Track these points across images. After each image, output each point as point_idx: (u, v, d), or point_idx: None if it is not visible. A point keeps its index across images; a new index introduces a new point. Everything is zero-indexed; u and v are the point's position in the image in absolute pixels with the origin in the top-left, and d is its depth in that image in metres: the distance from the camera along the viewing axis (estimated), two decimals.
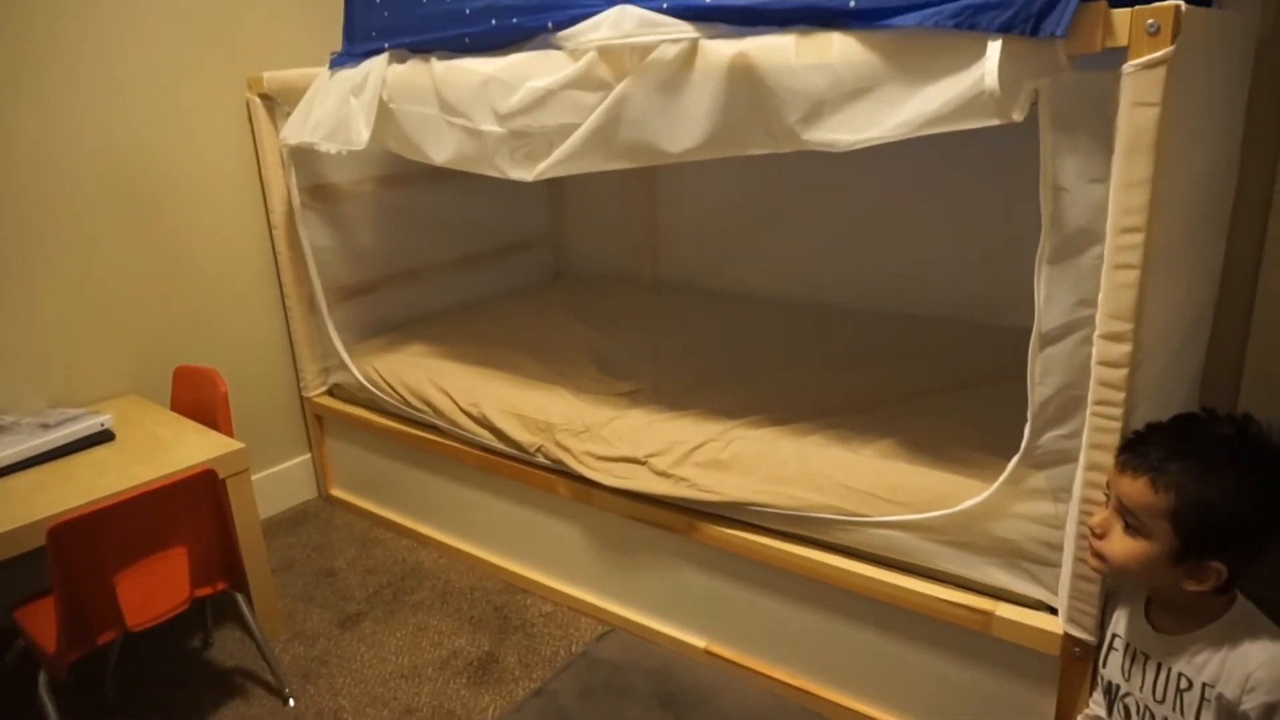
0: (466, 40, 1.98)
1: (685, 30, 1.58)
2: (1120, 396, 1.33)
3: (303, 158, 2.62)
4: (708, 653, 2.06)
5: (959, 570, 1.65)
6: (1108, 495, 1.31)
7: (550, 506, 2.28)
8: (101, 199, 2.38)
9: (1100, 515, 1.30)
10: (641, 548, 2.12)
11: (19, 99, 2.19)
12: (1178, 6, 1.16)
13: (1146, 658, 1.31)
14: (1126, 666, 1.34)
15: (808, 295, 2.96)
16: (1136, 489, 1.22)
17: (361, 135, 2.14)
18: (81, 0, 2.26)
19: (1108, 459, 1.36)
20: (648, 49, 1.61)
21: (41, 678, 1.72)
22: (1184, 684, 1.25)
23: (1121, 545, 1.24)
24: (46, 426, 2.08)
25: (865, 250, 2.79)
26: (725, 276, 3.16)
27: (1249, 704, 1.17)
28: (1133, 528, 1.23)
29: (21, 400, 2.29)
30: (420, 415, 2.51)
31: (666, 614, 2.13)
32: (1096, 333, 1.33)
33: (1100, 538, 1.28)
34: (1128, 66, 1.20)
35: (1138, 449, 1.25)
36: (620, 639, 2.11)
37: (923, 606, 1.67)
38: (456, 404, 2.39)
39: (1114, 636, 1.39)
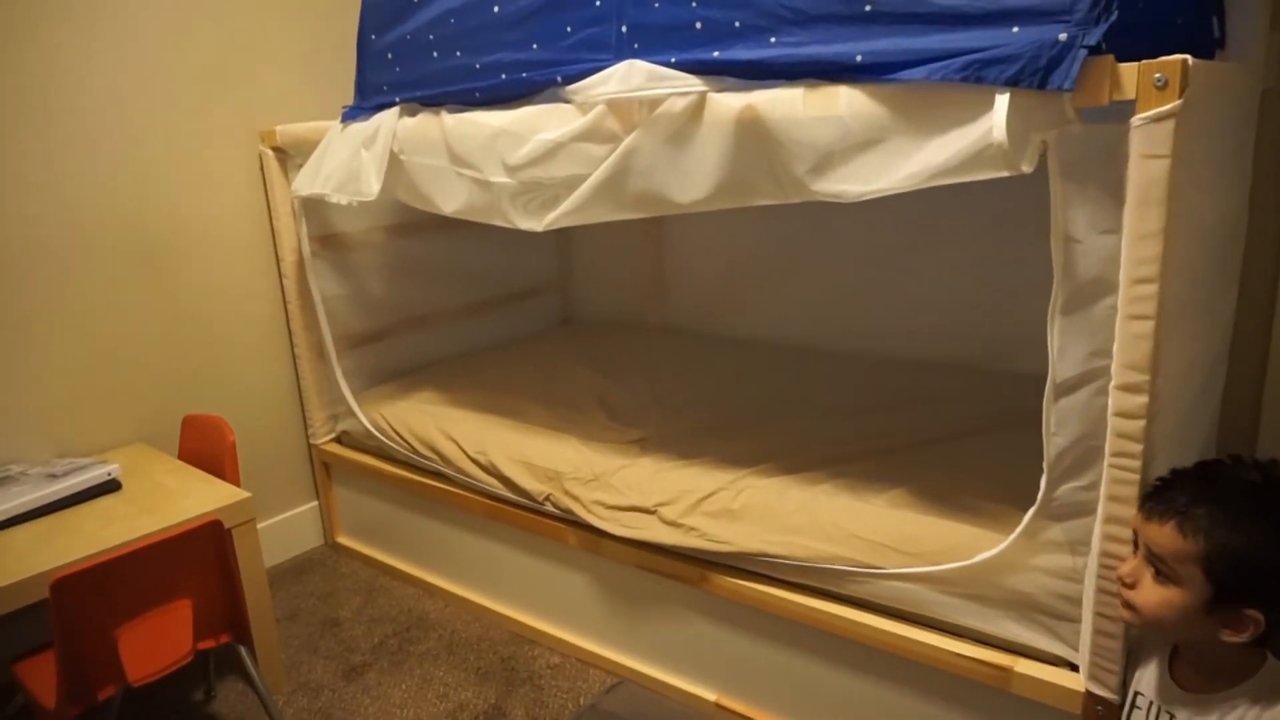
0: (476, 94, 2.00)
1: (693, 84, 1.60)
2: (1138, 448, 1.31)
3: (313, 208, 2.64)
4: (718, 706, 2.01)
5: (975, 624, 1.62)
6: (1135, 544, 1.29)
7: (559, 556, 2.26)
8: (112, 248, 2.40)
9: (1129, 564, 1.27)
10: (651, 598, 2.09)
11: (31, 148, 2.22)
12: (1185, 60, 1.17)
13: (1172, 716, 1.27)
14: None
15: (817, 342, 2.96)
16: (1164, 534, 1.20)
17: (372, 187, 2.16)
18: (97, 52, 2.31)
19: (1127, 511, 1.34)
20: (656, 102, 1.63)
21: None
22: None
23: (1153, 594, 1.21)
24: (53, 477, 2.08)
25: (875, 296, 2.79)
26: (734, 323, 3.16)
27: None
28: (1163, 575, 1.20)
29: (29, 450, 2.28)
30: (428, 463, 2.49)
31: (676, 666, 2.10)
32: (1112, 384, 1.31)
33: (1130, 588, 1.26)
34: (1137, 119, 1.20)
35: (1163, 495, 1.24)
36: (629, 691, 2.08)
37: (939, 661, 1.64)
38: (464, 452, 2.38)
39: (1137, 695, 1.35)
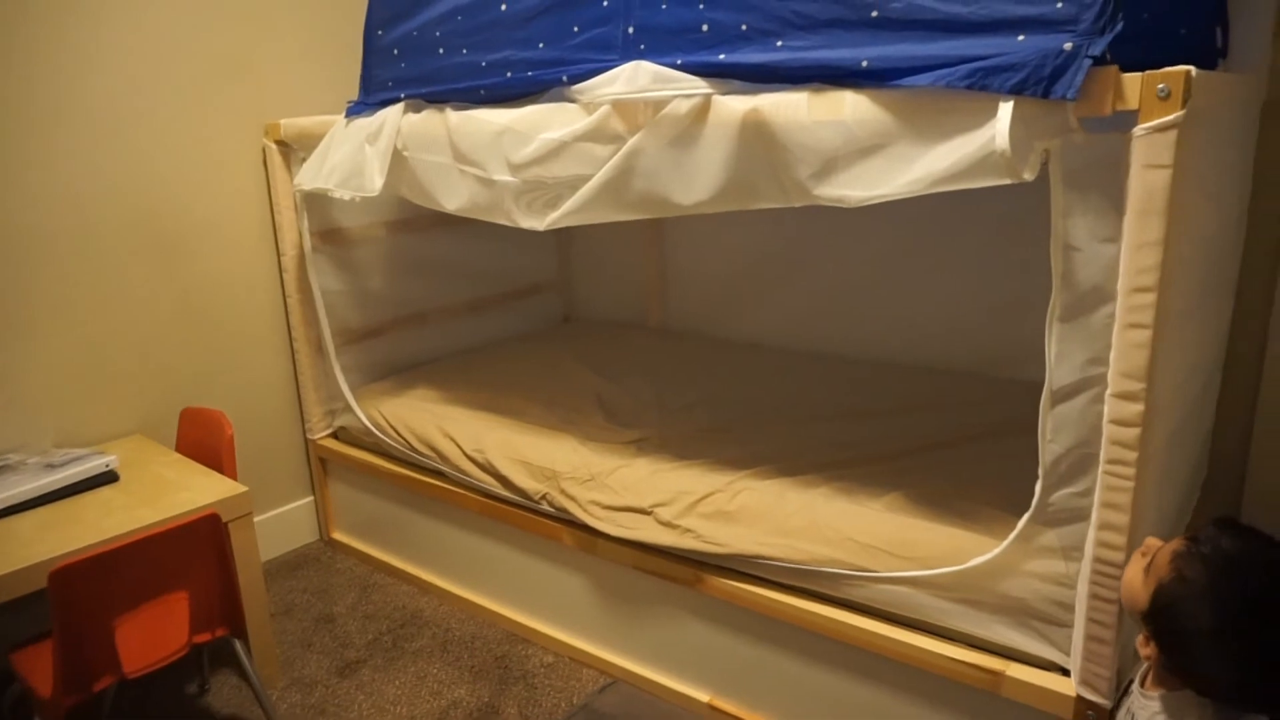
0: (482, 92, 2.01)
1: (699, 86, 1.61)
2: (1133, 455, 1.32)
3: (314, 202, 2.64)
4: (711, 707, 2.02)
5: (968, 628, 1.63)
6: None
7: (554, 555, 2.26)
8: (114, 241, 2.40)
9: (1155, 542, 1.29)
10: (646, 599, 2.09)
11: (35, 138, 2.22)
12: (1188, 72, 1.18)
13: (1133, 716, 1.29)
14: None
15: (817, 345, 2.97)
16: (1172, 540, 1.24)
17: (375, 182, 2.17)
18: (104, 44, 2.31)
19: (1121, 518, 1.35)
20: (661, 103, 1.64)
21: None
22: None
23: (1132, 568, 1.28)
24: (51, 467, 2.08)
25: (875, 301, 2.80)
26: (734, 325, 3.17)
27: None
28: (1147, 570, 1.25)
29: (28, 440, 2.28)
30: (425, 460, 2.50)
31: (670, 666, 2.10)
32: (1108, 391, 1.33)
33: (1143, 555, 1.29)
34: (1139, 129, 1.21)
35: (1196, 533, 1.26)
36: (623, 691, 2.08)
37: (931, 665, 1.65)
38: (462, 450, 2.38)
39: (1123, 696, 1.37)
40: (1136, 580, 1.25)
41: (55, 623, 1.59)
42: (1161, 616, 1.19)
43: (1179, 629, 1.16)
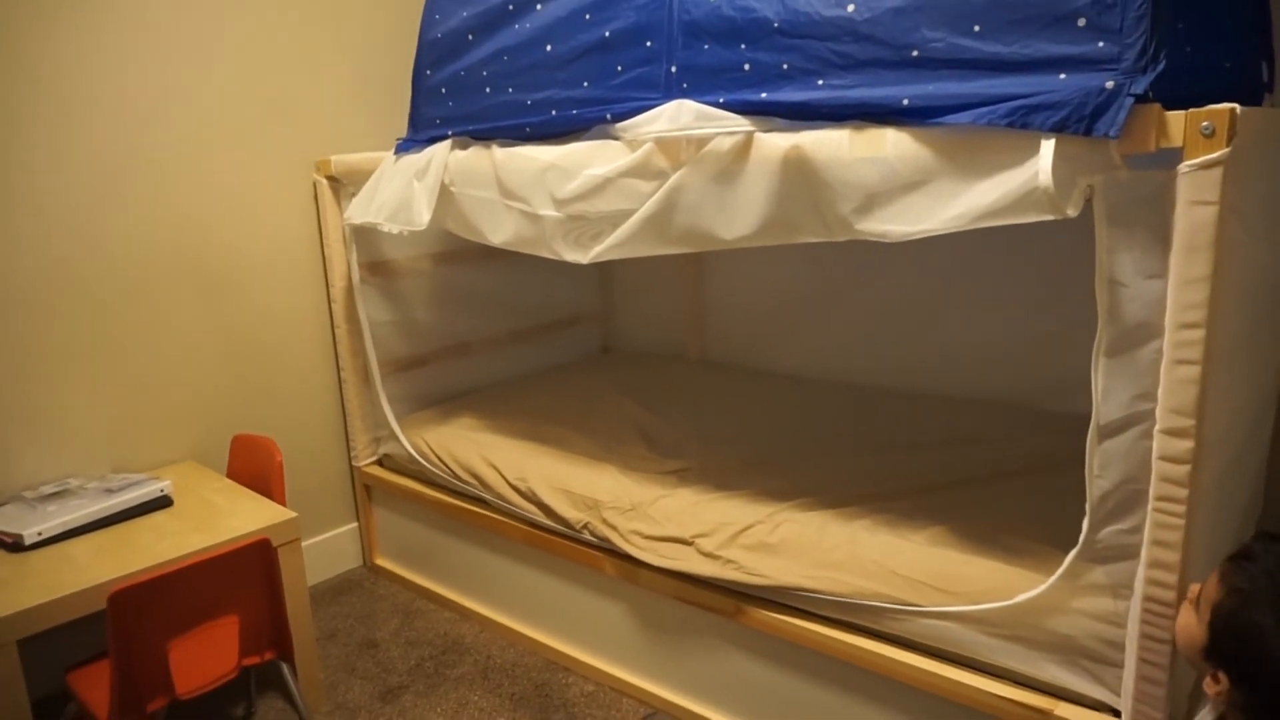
0: (527, 129, 2.06)
1: (741, 124, 1.64)
2: (1184, 493, 1.31)
3: (363, 235, 2.72)
4: None
5: (1015, 665, 1.61)
6: None
7: (595, 584, 2.28)
8: (170, 275, 2.48)
9: (1198, 586, 1.28)
10: (686, 629, 2.09)
11: (97, 177, 2.31)
12: (1233, 109, 1.18)
13: None
14: None
15: (857, 377, 2.96)
16: (1215, 575, 1.23)
17: (423, 217, 2.23)
18: (160, 85, 2.40)
19: (1171, 555, 1.34)
20: (704, 141, 1.67)
21: None
22: None
23: (1183, 616, 1.27)
24: (109, 491, 2.14)
25: (916, 333, 2.79)
26: (774, 356, 3.18)
27: None
28: (1197, 605, 1.24)
29: (87, 465, 2.36)
30: (468, 488, 2.53)
31: (710, 698, 2.09)
32: (1157, 428, 1.32)
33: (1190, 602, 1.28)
34: (1184, 167, 1.21)
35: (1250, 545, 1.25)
36: None
37: (977, 702, 1.62)
38: (505, 478, 2.41)
39: None
40: (1190, 621, 1.23)
41: (112, 644, 1.64)
42: (1224, 636, 1.16)
43: (1245, 637, 1.13)
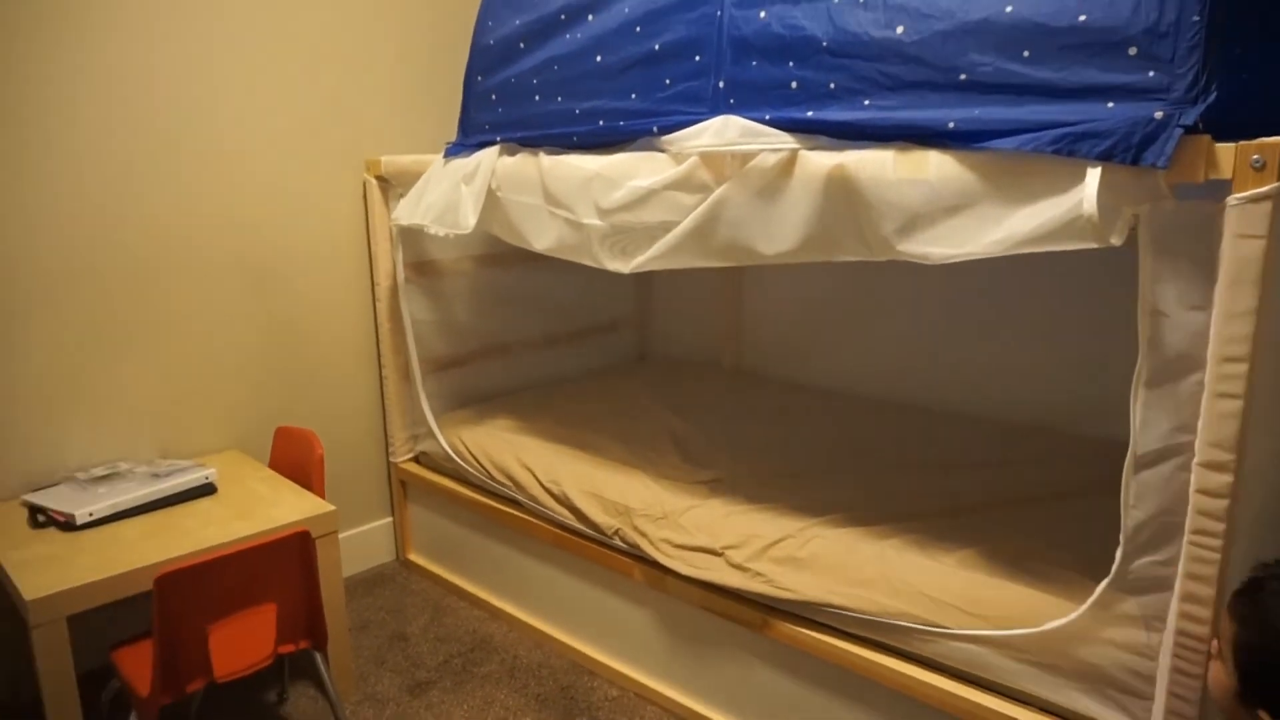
0: (574, 139, 2.09)
1: (786, 141, 1.65)
2: (1220, 528, 1.29)
3: (408, 235, 2.77)
4: None
5: (1042, 692, 1.60)
6: None
7: (623, 590, 2.30)
8: (220, 269, 2.56)
9: (1216, 642, 1.27)
10: (713, 639, 2.10)
11: (155, 171, 2.39)
12: None
13: None
14: None
15: (892, 394, 2.95)
16: (1225, 615, 1.21)
17: (469, 220, 2.27)
18: (218, 85, 2.48)
19: (1205, 590, 1.32)
20: (749, 156, 1.69)
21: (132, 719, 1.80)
22: None
23: (1213, 671, 1.24)
24: (157, 476, 2.21)
25: (955, 352, 2.78)
26: (810, 369, 3.18)
27: None
28: (1222, 655, 1.22)
29: (135, 450, 2.44)
30: (501, 489, 2.57)
31: (734, 709, 2.10)
32: (1196, 460, 1.31)
33: (1210, 659, 1.27)
34: (1232, 199, 1.21)
35: (1247, 582, 1.22)
36: None
37: None
38: (538, 480, 2.44)
39: None
40: (1218, 672, 1.21)
41: (156, 625, 1.69)
42: (1254, 672, 1.14)
43: (1273, 666, 1.12)
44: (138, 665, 1.82)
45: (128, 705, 1.82)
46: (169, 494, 2.17)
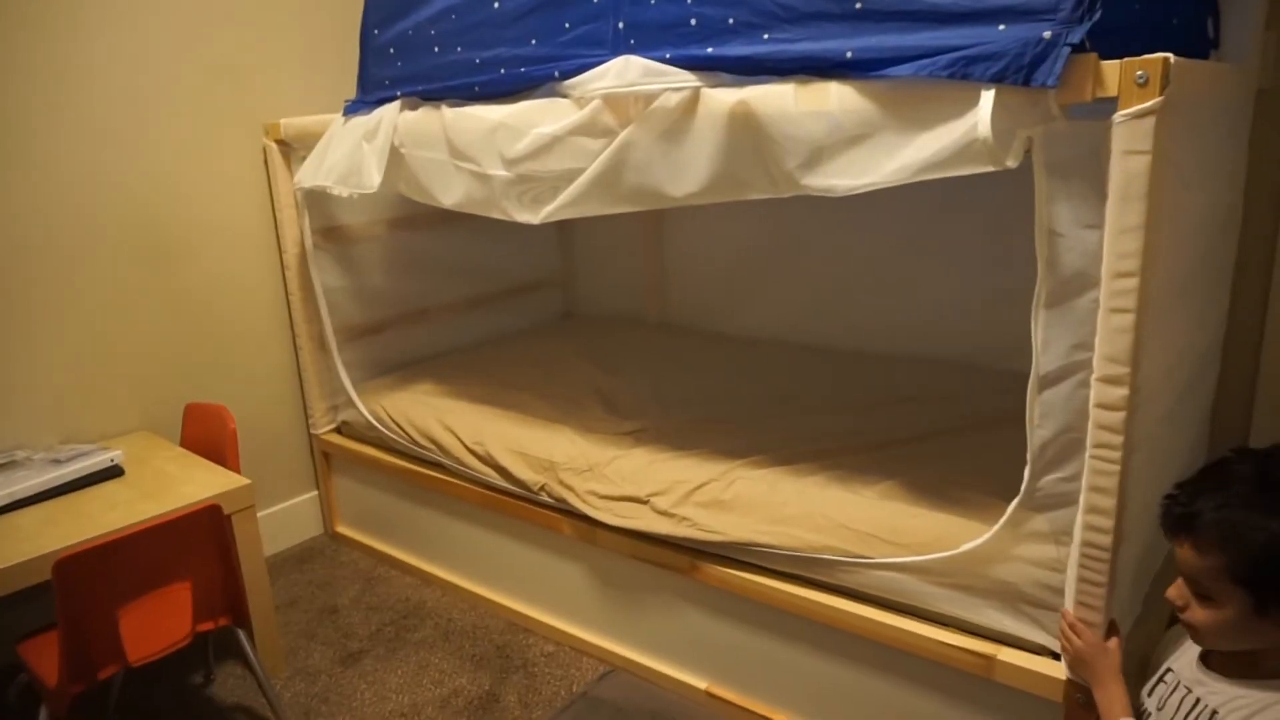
0: (476, 89, 2.03)
1: (687, 79, 1.62)
2: (1119, 440, 1.33)
3: (315, 201, 2.67)
4: (709, 694, 2.04)
5: (960, 613, 1.64)
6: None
7: (553, 545, 2.29)
8: (117, 242, 2.43)
9: (1174, 586, 1.22)
10: (644, 587, 2.11)
11: (39, 141, 2.25)
12: (1166, 59, 1.19)
13: (1189, 690, 1.24)
14: (1165, 696, 1.28)
15: (813, 339, 2.98)
16: (1186, 556, 1.17)
17: (374, 179, 2.19)
18: (104, 50, 2.34)
19: (1108, 501, 1.37)
20: (651, 97, 1.65)
21: (43, 712, 1.72)
22: (1203, 713, 1.19)
23: (1200, 614, 1.17)
24: (57, 462, 2.11)
25: (870, 295, 2.81)
26: (733, 320, 3.19)
27: None
28: (1201, 595, 1.17)
29: (35, 436, 2.32)
30: (426, 453, 2.52)
31: (668, 654, 2.12)
32: (1094, 376, 1.34)
33: (1184, 610, 1.20)
34: (1118, 116, 1.22)
35: (1173, 512, 1.20)
36: (621, 679, 2.11)
37: (924, 650, 1.66)
38: (462, 442, 2.41)
39: (1168, 670, 1.31)
40: (1204, 613, 1.17)
41: (60, 613, 1.62)
42: (1268, 568, 1.09)
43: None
44: (45, 656, 1.75)
45: (38, 698, 1.75)
46: (70, 479, 2.07)
